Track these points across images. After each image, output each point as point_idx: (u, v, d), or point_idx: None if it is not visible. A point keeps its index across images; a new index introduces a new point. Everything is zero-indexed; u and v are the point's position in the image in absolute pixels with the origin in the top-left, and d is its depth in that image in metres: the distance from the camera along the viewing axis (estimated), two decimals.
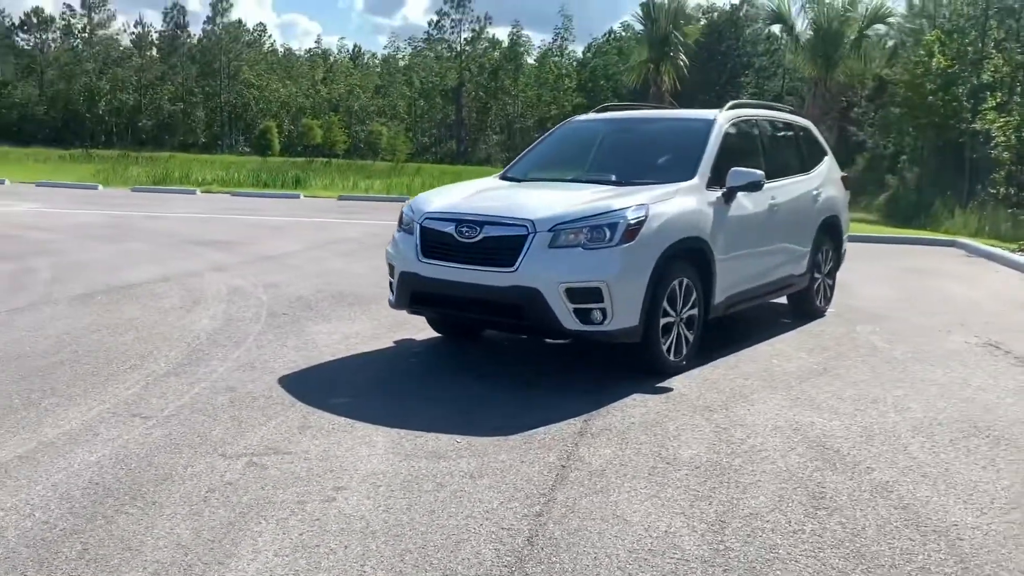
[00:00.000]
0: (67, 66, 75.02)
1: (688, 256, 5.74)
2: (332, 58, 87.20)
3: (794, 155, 7.72)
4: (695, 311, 5.82)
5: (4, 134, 66.61)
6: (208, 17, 79.12)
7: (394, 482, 3.80)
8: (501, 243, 5.28)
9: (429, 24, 75.93)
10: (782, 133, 7.71)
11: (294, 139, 65.20)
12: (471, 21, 72.46)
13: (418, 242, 5.66)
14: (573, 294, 5.11)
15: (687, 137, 6.45)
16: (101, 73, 74.25)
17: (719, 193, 6.09)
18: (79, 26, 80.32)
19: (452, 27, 73.23)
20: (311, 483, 3.77)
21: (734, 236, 6.21)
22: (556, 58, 75.88)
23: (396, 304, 5.86)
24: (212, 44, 76.24)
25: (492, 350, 6.45)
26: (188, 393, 5.01)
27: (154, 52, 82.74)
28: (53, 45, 79.84)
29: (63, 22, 79.43)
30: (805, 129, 8.02)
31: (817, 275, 7.73)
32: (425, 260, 5.56)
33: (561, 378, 5.62)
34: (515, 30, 74.85)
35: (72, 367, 5.50)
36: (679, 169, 6.16)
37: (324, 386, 5.26)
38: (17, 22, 77.97)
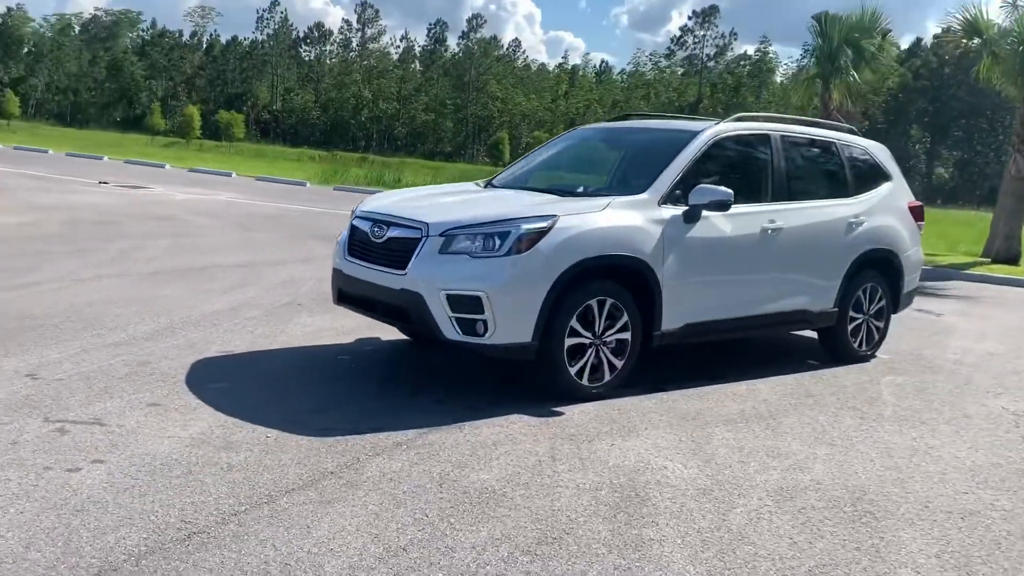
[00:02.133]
0: (340, 76, 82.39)
1: (615, 275, 5.32)
2: (580, 73, 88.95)
3: (826, 178, 6.91)
4: (625, 335, 5.37)
5: (282, 135, 74.42)
6: (463, 32, 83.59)
7: (153, 463, 3.86)
8: (400, 245, 5.20)
9: (672, 40, 75.30)
10: (812, 153, 6.91)
11: (526, 150, 67.15)
12: (715, 37, 70.83)
13: (346, 239, 5.71)
14: (454, 302, 4.92)
15: (663, 149, 5.98)
16: (367, 83, 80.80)
17: (679, 211, 5.58)
18: (354, 40, 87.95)
19: (695, 43, 72.03)
20: (78, 453, 3.92)
21: (699, 259, 5.68)
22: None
23: (334, 300, 5.92)
24: (465, 58, 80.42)
25: (444, 359, 6.27)
26: (103, 361, 5.36)
27: (416, 65, 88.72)
28: (330, 59, 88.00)
29: (341, 36, 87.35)
30: (856, 151, 7.12)
31: (856, 314, 6.84)
32: (348, 258, 5.60)
33: (469, 390, 5.40)
34: (762, 46, 72.22)
35: (42, 327, 6.04)
36: (638, 183, 5.74)
37: (226, 371, 5.43)
38: (301, 35, 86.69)
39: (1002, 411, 5.80)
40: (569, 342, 5.14)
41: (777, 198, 6.26)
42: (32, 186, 18.36)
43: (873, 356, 7.09)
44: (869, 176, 7.15)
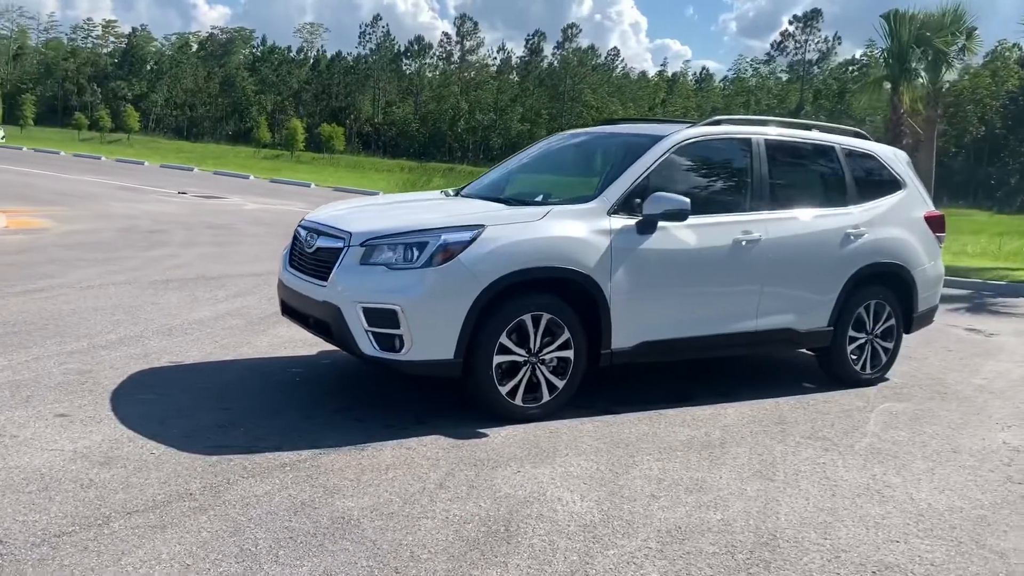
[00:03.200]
0: (438, 88, 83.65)
1: (553, 289, 5.00)
2: (681, 80, 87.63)
3: (821, 185, 6.37)
4: (567, 353, 5.03)
5: (382, 147, 76.05)
6: (558, 42, 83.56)
7: (17, 476, 3.78)
8: (326, 255, 5.02)
9: (772, 45, 73.02)
10: (805, 158, 6.37)
11: None
12: (818, 42, 68.45)
13: (288, 249, 5.57)
14: (370, 315, 4.70)
15: (625, 154, 5.60)
16: (464, 95, 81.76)
17: (631, 221, 5.21)
18: (454, 52, 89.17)
19: (797, 48, 69.78)
20: None
21: (655, 273, 5.29)
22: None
23: (281, 312, 5.79)
24: (560, 68, 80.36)
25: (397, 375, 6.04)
26: (45, 369, 5.38)
27: (514, 76, 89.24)
28: (430, 71, 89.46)
29: (440, 49, 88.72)
30: (862, 157, 6.54)
31: (857, 334, 6.27)
32: (288, 269, 5.46)
33: (404, 407, 5.14)
34: (868, 50, 69.26)
35: (13, 333, 6.13)
36: (591, 190, 5.39)
37: (161, 382, 5.36)
38: (402, 48, 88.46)
39: (1001, 446, 5.16)
40: (499, 359, 4.84)
41: (758, 207, 5.78)
42: (113, 195, 19.17)
43: (879, 379, 6.48)
44: (876, 184, 6.55)
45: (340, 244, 4.92)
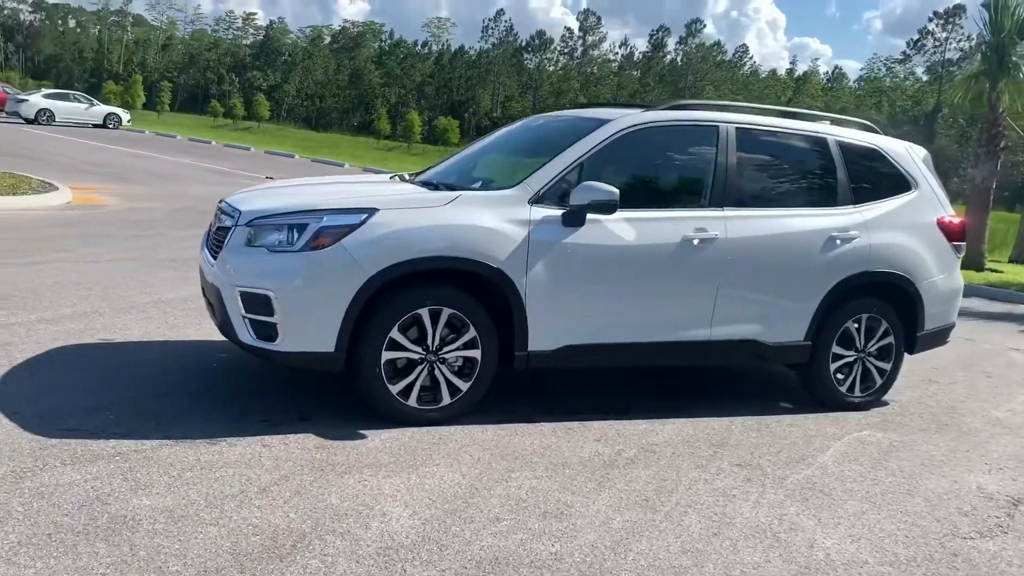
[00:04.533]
0: (558, 83, 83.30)
1: (457, 281, 4.58)
2: (810, 79, 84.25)
3: (806, 182, 5.66)
4: (474, 353, 4.61)
5: None
6: (681, 38, 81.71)
7: None
8: (222, 235, 4.76)
9: (908, 44, 68.72)
10: (788, 151, 5.66)
11: None
12: (960, 40, 64.14)
13: (208, 230, 5.35)
14: (247, 301, 4.41)
15: (567, 140, 5.10)
16: (584, 90, 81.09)
17: (556, 212, 4.72)
18: (576, 48, 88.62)
19: (936, 47, 65.64)
20: None
21: (583, 270, 4.78)
22: None
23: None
24: (683, 64, 78.56)
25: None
26: None
27: (637, 72, 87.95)
28: (551, 66, 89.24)
29: (562, 43, 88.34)
30: (864, 151, 5.78)
31: (844, 351, 5.56)
32: (202, 249, 5.24)
33: (296, 403, 4.83)
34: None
35: None
36: (521, 177, 4.92)
37: (70, 360, 5.23)
38: (524, 43, 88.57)
39: (970, 492, 4.40)
40: (389, 356, 4.46)
41: (719, 203, 5.16)
42: (199, 178, 19.76)
43: (870, 403, 5.72)
44: (879, 183, 5.78)
45: (230, 224, 4.64)
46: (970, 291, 11.46)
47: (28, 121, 36.31)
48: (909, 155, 5.92)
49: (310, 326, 4.32)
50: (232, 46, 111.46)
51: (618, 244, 4.84)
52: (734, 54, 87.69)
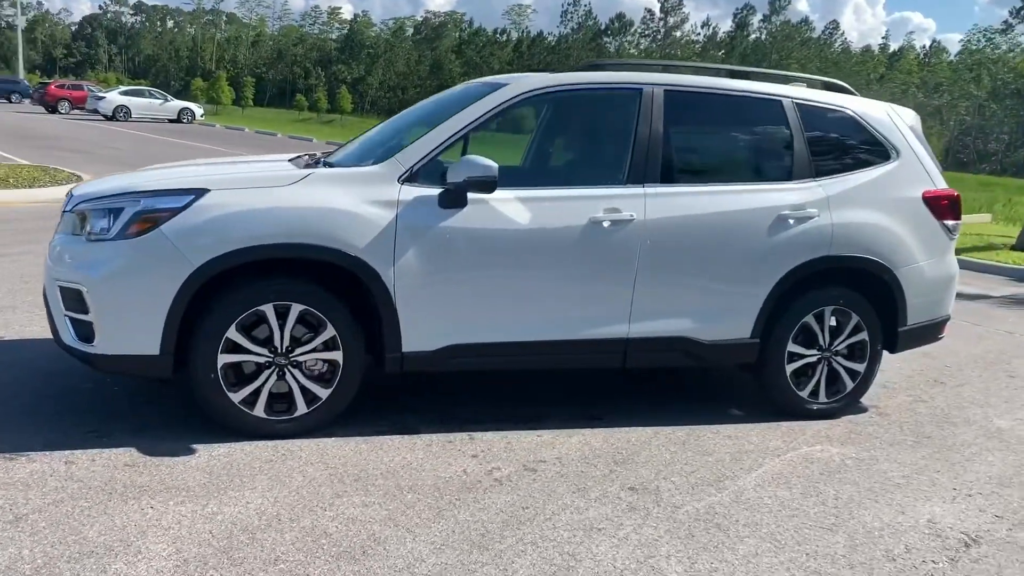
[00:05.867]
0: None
1: (309, 273, 3.99)
2: (905, 55, 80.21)
3: (753, 152, 4.86)
4: (335, 355, 4.02)
5: None
6: (764, 16, 78.83)
7: None
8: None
9: (1010, 13, 63.96)
10: (733, 117, 4.84)
11: None
12: None
13: None
14: (65, 296, 3.92)
15: (455, 109, 4.43)
16: (664, 71, 79.06)
17: (430, 192, 4.08)
18: (658, 30, 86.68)
19: None
20: None
21: (465, 258, 4.13)
22: None
23: None
24: (766, 43, 75.81)
25: None
26: None
27: (721, 52, 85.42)
28: (631, 48, 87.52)
29: (643, 26, 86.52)
30: (833, 115, 4.91)
31: (804, 350, 4.75)
32: None
33: (153, 412, 4.34)
34: None
35: None
36: (397, 150, 4.29)
37: None
38: (603, 27, 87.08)
39: (917, 526, 3.57)
40: (228, 359, 3.90)
41: (639, 179, 4.42)
42: None
43: (840, 410, 4.88)
44: (850, 152, 4.91)
45: (64, 208, 4.16)
46: None
47: (107, 118, 37.42)
48: (890, 119, 5.01)
49: (128, 325, 3.80)
50: (318, 40, 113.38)
51: (509, 228, 4.16)
52: (823, 31, 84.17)
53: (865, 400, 5.19)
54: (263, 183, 4.00)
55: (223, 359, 3.88)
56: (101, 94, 39.17)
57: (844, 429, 4.71)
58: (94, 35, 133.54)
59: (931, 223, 4.90)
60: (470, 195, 4.08)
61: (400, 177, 4.08)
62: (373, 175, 4.08)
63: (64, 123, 32.66)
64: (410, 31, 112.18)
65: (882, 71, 73.53)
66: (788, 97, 4.81)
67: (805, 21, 79.25)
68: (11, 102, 49.24)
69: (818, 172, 4.73)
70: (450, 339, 4.16)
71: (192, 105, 41.33)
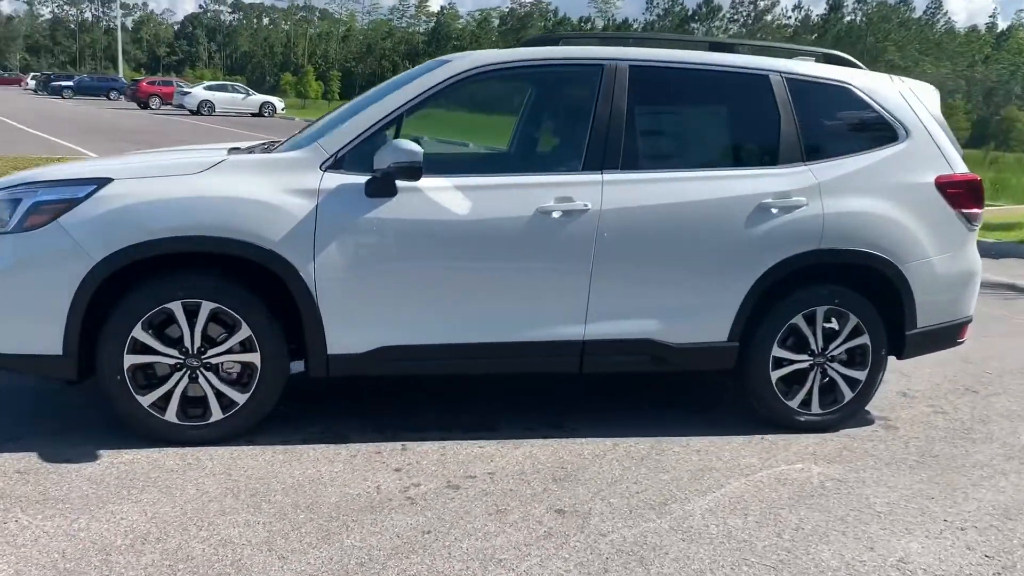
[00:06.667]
0: None
1: (221, 268, 3.71)
2: (1014, 34, 75.92)
3: (732, 133, 4.34)
4: (251, 357, 3.74)
5: None
6: None
7: None
8: None
9: None
10: (710, 94, 4.33)
11: None
12: None
13: None
14: None
15: (393, 88, 4.09)
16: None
17: (355, 180, 3.75)
18: (748, 14, 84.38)
19: None
20: None
21: (396, 252, 3.79)
22: None
23: None
24: (862, 26, 72.73)
25: None
26: None
27: (812, 36, 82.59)
28: (721, 34, 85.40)
29: (731, 11, 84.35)
30: (831, 90, 4.35)
31: (793, 355, 4.24)
32: None
33: (88, 416, 4.15)
34: None
35: None
36: (321, 135, 3.97)
37: None
38: (690, 13, 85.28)
39: (885, 568, 3.05)
40: (135, 360, 3.66)
41: (598, 165, 3.98)
42: None
43: (836, 423, 4.35)
44: (850, 132, 4.37)
45: None
46: None
47: (192, 112, 38.48)
48: (899, 95, 4.42)
49: (27, 323, 3.59)
50: (406, 34, 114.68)
51: (444, 219, 3.79)
52: (925, 11, 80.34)
53: (874, 410, 4.63)
54: (171, 171, 3.74)
55: (129, 360, 3.64)
56: (187, 90, 40.35)
57: (837, 445, 4.17)
58: (195, 33, 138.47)
59: (946, 212, 4.30)
60: (400, 183, 3.71)
61: (323, 164, 3.75)
62: (292, 161, 3.77)
63: (150, 118, 33.70)
64: (495, 22, 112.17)
65: (988, 51, 69.65)
66: (776, 71, 4.28)
67: (904, 1, 75.57)
68: (109, 99, 51.29)
69: (809, 155, 4.19)
70: (381, 340, 3.82)
71: (273, 99, 42.17)
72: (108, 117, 32.59)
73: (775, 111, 4.20)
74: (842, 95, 4.34)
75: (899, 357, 4.42)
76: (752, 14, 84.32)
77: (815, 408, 4.30)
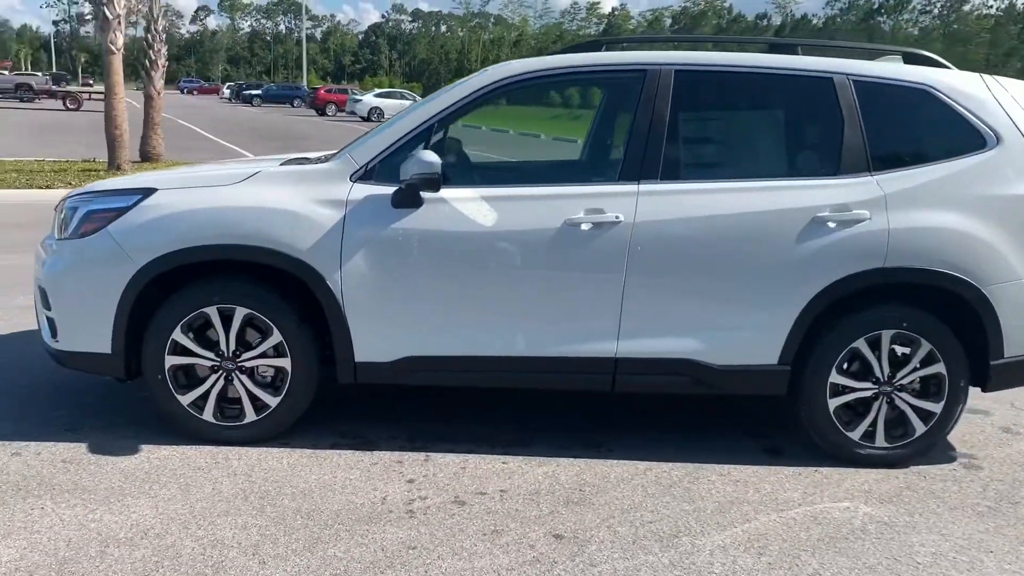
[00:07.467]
0: (913, 44, 74.58)
1: (254, 275, 3.86)
2: None
3: (785, 141, 4.04)
4: (283, 362, 3.88)
5: None
6: None
7: None
8: None
9: None
10: (766, 100, 4.05)
11: None
12: None
13: None
14: (41, 295, 4.07)
15: (433, 99, 4.11)
16: (947, 50, 71.79)
17: (383, 191, 3.80)
18: (943, 4, 78.88)
19: None
20: None
21: (423, 263, 3.80)
22: None
23: None
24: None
25: None
26: None
27: (1017, 26, 76.06)
28: (911, 27, 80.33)
29: (924, 1, 79.02)
30: (902, 94, 3.96)
31: (855, 384, 3.93)
32: None
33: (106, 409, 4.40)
34: None
35: None
36: (353, 146, 4.07)
37: None
38: (877, 5, 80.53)
39: None
40: (175, 361, 3.86)
41: (634, 175, 3.81)
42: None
43: (902, 458, 3.97)
44: (927, 138, 3.96)
45: None
46: None
47: (363, 119, 40.28)
48: (990, 96, 3.95)
49: (83, 324, 3.86)
50: (577, 37, 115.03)
51: (469, 231, 3.75)
52: None
53: (961, 446, 4.20)
54: (210, 182, 3.90)
55: (170, 361, 3.83)
56: (358, 97, 42.24)
57: (899, 483, 3.80)
58: (377, 42, 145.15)
59: None
60: (426, 195, 3.71)
61: (353, 175, 3.81)
62: (323, 173, 3.85)
63: (323, 124, 35.59)
64: (668, 21, 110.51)
65: None
66: (842, 73, 3.93)
67: None
68: (293, 106, 54.59)
69: (876, 165, 3.83)
70: (407, 350, 3.83)
71: None
72: (284, 123, 34.67)
73: (837, 116, 3.86)
74: (920, 98, 3.94)
75: (984, 389, 3.96)
76: (948, 4, 78.54)
77: (880, 441, 3.93)
